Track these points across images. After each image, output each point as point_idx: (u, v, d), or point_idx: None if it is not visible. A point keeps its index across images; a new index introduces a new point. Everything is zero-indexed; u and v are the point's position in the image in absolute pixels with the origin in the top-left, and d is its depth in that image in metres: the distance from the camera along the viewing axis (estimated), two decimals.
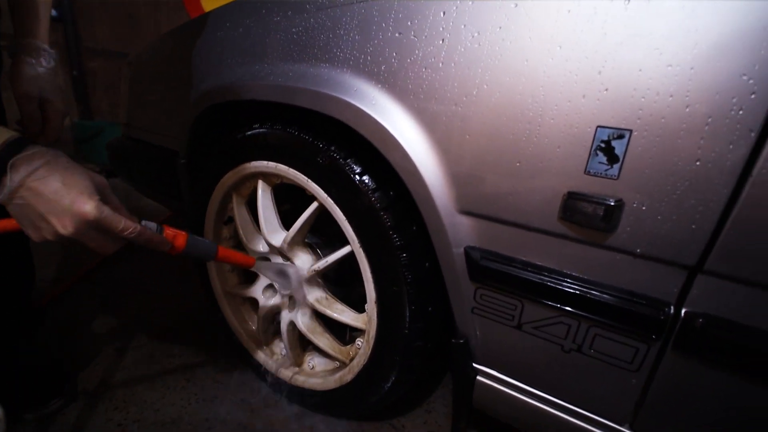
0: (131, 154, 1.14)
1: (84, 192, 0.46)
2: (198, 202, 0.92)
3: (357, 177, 0.65)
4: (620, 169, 0.43)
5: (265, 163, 0.75)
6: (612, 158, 0.43)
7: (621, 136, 0.42)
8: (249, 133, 0.76)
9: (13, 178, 0.44)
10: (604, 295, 0.47)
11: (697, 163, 0.39)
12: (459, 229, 0.56)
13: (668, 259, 0.43)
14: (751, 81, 0.36)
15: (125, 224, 0.49)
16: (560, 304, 0.50)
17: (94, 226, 0.46)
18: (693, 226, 0.41)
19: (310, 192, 0.72)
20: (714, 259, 0.41)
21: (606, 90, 0.42)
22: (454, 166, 0.53)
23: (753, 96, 0.36)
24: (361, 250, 0.68)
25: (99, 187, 0.48)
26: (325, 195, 0.69)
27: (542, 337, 0.54)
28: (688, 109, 0.39)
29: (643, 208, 0.43)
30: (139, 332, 1.14)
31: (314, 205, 0.73)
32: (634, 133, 0.41)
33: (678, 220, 0.41)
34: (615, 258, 0.46)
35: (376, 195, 0.64)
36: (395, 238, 0.63)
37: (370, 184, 0.64)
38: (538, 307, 0.52)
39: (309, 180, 0.70)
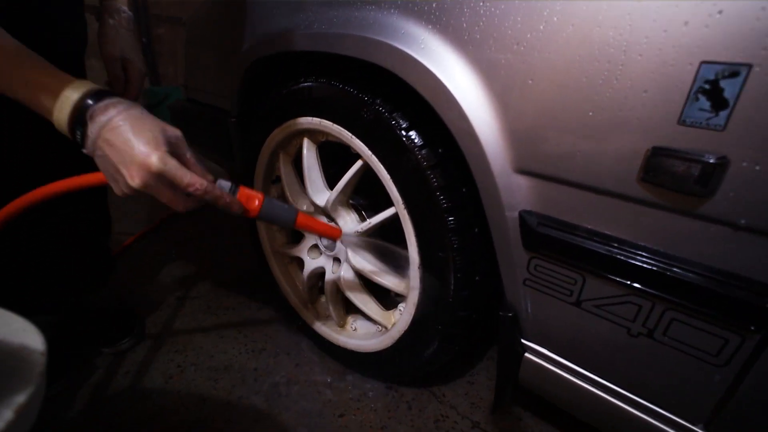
0: (189, 115, 1.17)
1: (150, 142, 0.43)
2: (247, 160, 0.93)
3: (403, 132, 0.60)
4: (728, 117, 0.34)
5: (309, 119, 0.73)
6: (718, 103, 0.34)
7: (735, 74, 0.33)
8: (293, 87, 0.73)
9: (92, 129, 0.43)
10: (691, 274, 0.39)
11: None
12: (514, 191, 0.49)
13: None
14: None
15: (191, 179, 0.45)
16: (631, 282, 0.42)
17: (160, 178, 0.44)
18: None
19: (354, 150, 0.68)
20: None
21: (720, 13, 0.32)
22: (514, 116, 0.46)
23: None
24: (405, 212, 0.64)
25: (171, 139, 0.46)
26: (370, 152, 0.65)
27: (605, 318, 0.47)
28: None
29: (757, 167, 0.34)
30: (198, 284, 1.21)
31: (359, 163, 0.70)
32: (755, 69, 0.32)
33: None
34: (709, 229, 0.38)
35: (423, 152, 0.59)
36: (442, 199, 0.58)
37: (416, 140, 0.59)
38: (602, 283, 0.46)
39: (353, 136, 0.66)
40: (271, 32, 0.73)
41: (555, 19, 0.40)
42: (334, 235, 0.64)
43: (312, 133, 0.77)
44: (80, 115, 0.44)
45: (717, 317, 0.39)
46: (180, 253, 1.40)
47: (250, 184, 0.95)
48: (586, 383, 0.53)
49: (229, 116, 0.97)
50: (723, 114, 0.34)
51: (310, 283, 0.92)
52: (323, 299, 0.93)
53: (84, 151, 0.46)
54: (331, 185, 0.79)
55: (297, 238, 0.95)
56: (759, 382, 0.39)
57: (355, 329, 0.89)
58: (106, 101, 0.44)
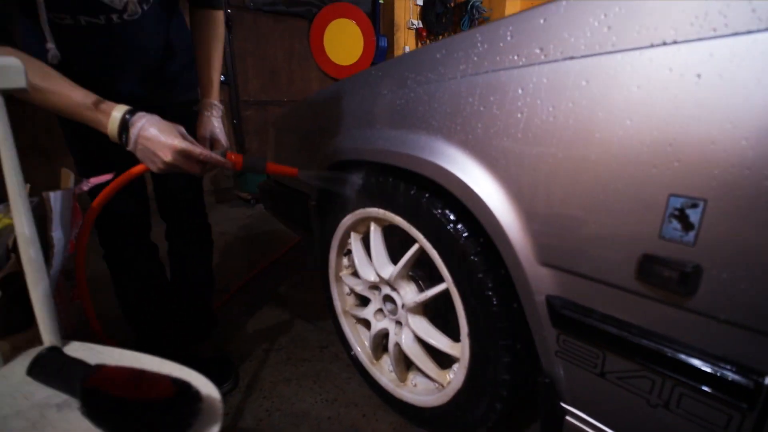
0: (276, 195, 1.43)
1: (171, 133, 0.70)
2: (324, 235, 1.13)
3: (451, 225, 0.75)
4: (696, 236, 0.44)
5: (376, 209, 0.91)
6: (687, 226, 0.45)
7: (695, 205, 0.44)
8: (364, 183, 0.93)
9: (132, 132, 0.69)
10: (687, 357, 0.48)
11: None
12: (541, 279, 0.61)
13: (756, 327, 0.43)
14: None
15: (201, 150, 0.73)
16: (641, 360, 0.52)
17: (183, 153, 0.70)
18: None
19: (412, 235, 0.84)
20: None
21: (676, 164, 0.44)
22: (534, 225, 0.59)
23: None
24: (454, 288, 0.77)
25: (181, 132, 0.73)
26: (424, 239, 0.80)
27: (626, 389, 0.55)
28: (767, 183, 0.39)
29: (724, 275, 0.43)
30: (279, 337, 1.41)
31: (415, 246, 0.85)
32: (709, 203, 0.43)
33: (763, 289, 0.41)
34: (698, 320, 0.47)
35: (467, 241, 0.73)
36: (485, 280, 0.71)
37: (462, 231, 0.74)
38: (620, 360, 0.55)
39: (411, 226, 0.83)
40: (345, 143, 0.95)
41: (560, 156, 0.54)
42: (292, 173, 0.89)
43: (378, 219, 0.95)
44: (124, 125, 0.69)
45: (714, 395, 0.46)
46: (264, 307, 1.62)
47: (326, 255, 1.14)
48: None
49: (309, 199, 1.19)
50: (691, 233, 0.45)
51: (376, 342, 1.06)
52: (387, 357, 1.06)
53: (128, 148, 0.71)
54: (397, 252, 0.94)
55: (365, 301, 1.11)
56: None
57: (415, 385, 1.00)
58: (138, 115, 0.70)
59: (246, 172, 0.93)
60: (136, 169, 0.80)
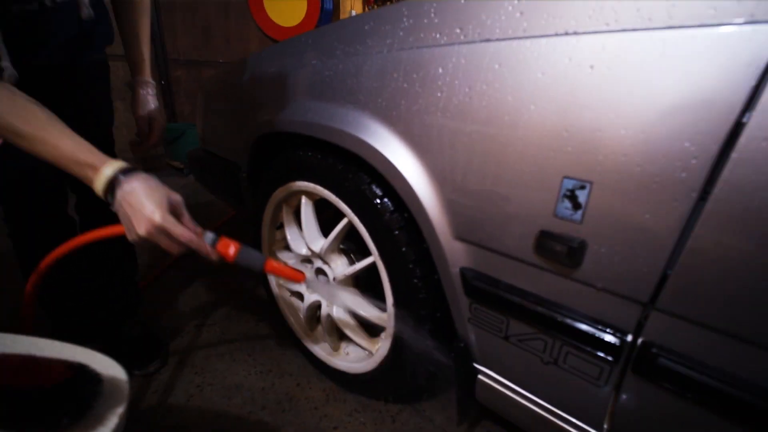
0: (206, 164, 1.35)
1: (156, 204, 0.60)
2: (256, 208, 1.10)
3: (378, 200, 0.76)
4: (583, 215, 0.49)
5: (305, 183, 0.90)
6: (576, 205, 0.50)
7: (583, 187, 0.49)
8: (293, 156, 0.91)
9: (118, 193, 0.61)
10: (572, 320, 0.54)
11: (647, 216, 0.45)
12: (456, 252, 0.65)
13: (625, 294, 0.49)
14: (693, 148, 0.41)
15: (182, 232, 0.62)
16: (538, 323, 0.58)
17: (160, 230, 0.60)
18: (644, 270, 0.47)
19: (341, 209, 0.85)
20: (664, 298, 0.46)
21: (570, 148, 0.48)
22: (450, 201, 0.62)
23: (694, 161, 0.41)
24: (380, 261, 0.79)
25: (173, 202, 0.64)
26: (352, 214, 0.81)
27: (525, 349, 0.62)
28: (638, 168, 0.44)
29: (603, 250, 0.49)
30: (212, 313, 1.38)
31: (345, 220, 0.86)
32: (594, 185, 0.48)
33: (632, 262, 0.47)
34: (581, 289, 0.53)
35: (393, 216, 0.75)
36: (408, 253, 0.74)
37: (389, 206, 0.75)
38: (520, 324, 0.61)
39: (339, 200, 0.83)
40: (275, 113, 0.91)
41: (473, 135, 0.57)
42: (298, 279, 0.75)
43: (308, 193, 0.94)
44: (112, 185, 0.61)
45: (593, 352, 0.54)
46: (197, 284, 1.57)
47: (258, 229, 1.12)
48: (522, 399, 0.68)
49: (240, 171, 1.15)
50: (579, 212, 0.50)
51: (309, 314, 1.07)
52: (320, 327, 1.09)
53: (111, 208, 0.63)
54: (328, 225, 0.95)
55: None
56: (633, 397, 0.54)
57: (348, 353, 1.04)
58: (132, 176, 0.61)
59: (239, 267, 0.71)
60: (116, 228, 0.67)
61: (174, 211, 0.64)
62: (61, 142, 0.59)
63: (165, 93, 2.97)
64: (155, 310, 1.38)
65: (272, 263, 0.71)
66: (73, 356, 0.46)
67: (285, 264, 0.78)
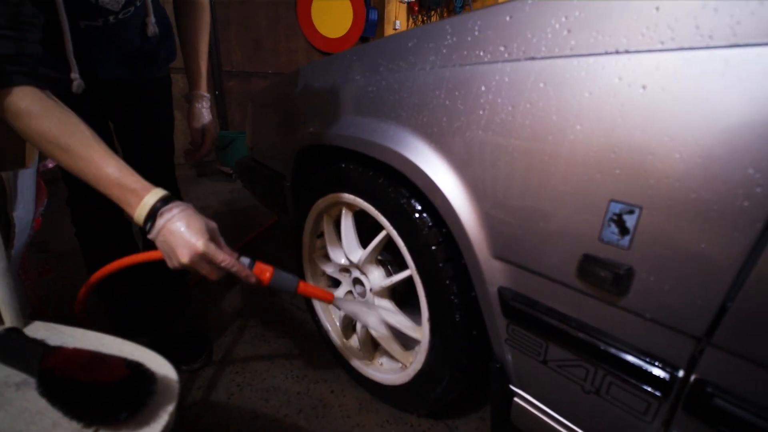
0: (253, 173, 1.42)
1: (197, 233, 0.60)
2: (298, 216, 1.14)
3: (416, 215, 0.76)
4: (631, 240, 0.47)
5: (346, 195, 0.92)
6: (623, 230, 0.47)
7: (631, 212, 0.46)
8: (335, 170, 0.93)
9: (158, 222, 0.61)
10: (616, 350, 0.51)
11: (702, 246, 0.42)
12: (494, 271, 0.64)
13: (676, 327, 0.46)
14: (757, 175, 0.38)
15: (223, 257, 0.62)
16: (577, 350, 0.55)
17: (203, 257, 0.60)
18: (699, 302, 0.44)
19: (380, 222, 0.86)
20: (721, 333, 0.43)
21: (618, 171, 0.47)
22: (489, 219, 0.61)
23: (759, 189, 0.38)
24: (417, 276, 0.80)
25: (210, 230, 0.63)
26: (391, 227, 0.82)
27: (565, 376, 0.60)
28: (694, 195, 0.42)
29: (652, 278, 0.46)
30: (254, 316, 1.44)
31: (383, 233, 0.87)
32: (644, 210, 0.46)
33: (685, 294, 0.44)
34: (627, 317, 0.50)
35: (431, 231, 0.75)
36: (446, 269, 0.74)
37: (427, 221, 0.76)
38: (560, 349, 0.59)
39: (379, 213, 0.84)
40: (319, 127, 0.95)
41: (515, 154, 0.56)
42: (327, 299, 0.78)
43: (349, 205, 0.96)
44: (153, 213, 0.61)
45: (638, 385, 0.51)
46: (240, 286, 1.64)
47: (300, 236, 1.16)
48: (560, 426, 0.65)
49: (285, 180, 1.19)
50: (627, 238, 0.47)
51: (345, 323, 1.09)
52: (356, 336, 1.10)
53: (149, 236, 0.63)
54: (368, 234, 0.96)
55: (337, 283, 1.13)
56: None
57: (381, 364, 1.04)
58: (171, 205, 0.61)
59: (273, 290, 0.74)
60: (151, 255, 0.68)
61: (212, 238, 0.64)
62: (106, 163, 0.59)
63: (218, 103, 3.16)
64: (202, 309, 1.46)
65: (303, 285, 0.73)
66: (131, 354, 0.51)
67: (315, 286, 0.80)
